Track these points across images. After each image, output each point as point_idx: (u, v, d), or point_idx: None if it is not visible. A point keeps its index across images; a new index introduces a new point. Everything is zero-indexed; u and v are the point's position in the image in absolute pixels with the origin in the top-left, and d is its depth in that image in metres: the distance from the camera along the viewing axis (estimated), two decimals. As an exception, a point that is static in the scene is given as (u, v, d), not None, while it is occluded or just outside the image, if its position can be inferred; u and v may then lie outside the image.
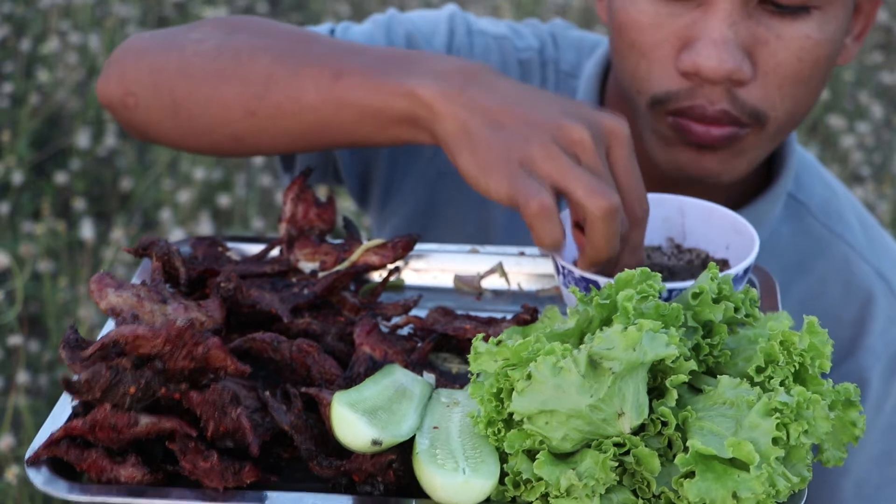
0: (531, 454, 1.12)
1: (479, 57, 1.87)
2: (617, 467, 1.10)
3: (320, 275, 1.51)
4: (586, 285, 1.37)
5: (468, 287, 1.59)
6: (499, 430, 1.14)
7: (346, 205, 3.75)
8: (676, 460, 1.07)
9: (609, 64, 1.83)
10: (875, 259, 1.86)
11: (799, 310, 1.53)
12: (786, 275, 1.77)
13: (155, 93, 1.63)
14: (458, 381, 1.36)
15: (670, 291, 1.33)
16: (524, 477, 1.11)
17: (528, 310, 1.43)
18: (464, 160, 1.41)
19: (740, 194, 1.78)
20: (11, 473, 2.86)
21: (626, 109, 1.67)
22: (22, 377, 3.25)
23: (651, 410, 1.12)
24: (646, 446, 1.10)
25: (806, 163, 1.91)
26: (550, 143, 1.38)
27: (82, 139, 4.28)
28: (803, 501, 1.13)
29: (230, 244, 1.59)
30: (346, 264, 1.51)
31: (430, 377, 1.34)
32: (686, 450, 1.08)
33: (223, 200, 4.15)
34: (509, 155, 1.39)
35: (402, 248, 1.53)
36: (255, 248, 1.59)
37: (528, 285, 1.59)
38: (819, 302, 1.81)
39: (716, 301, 1.23)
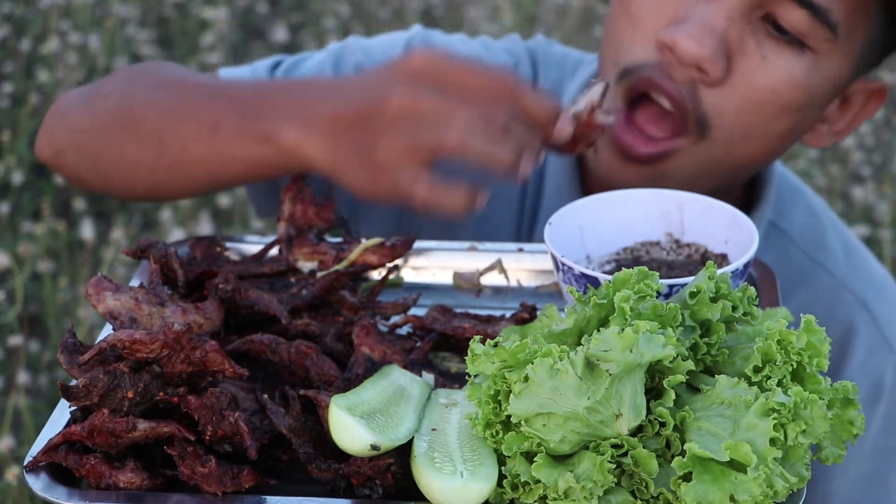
0: (529, 456, 1.12)
1: None
2: (615, 469, 1.10)
3: (319, 274, 1.50)
4: (585, 283, 1.37)
5: (467, 284, 1.59)
6: (497, 433, 1.14)
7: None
8: (674, 463, 1.06)
9: None
10: (858, 287, 1.85)
11: None
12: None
13: (76, 151, 1.68)
14: (457, 380, 1.36)
15: (670, 287, 1.33)
16: (522, 479, 1.11)
17: (526, 308, 1.43)
18: (353, 188, 1.45)
19: None
20: (11, 474, 2.86)
21: None
22: (22, 377, 3.25)
23: (649, 411, 1.12)
24: (644, 447, 1.10)
25: (790, 188, 1.89)
26: (393, 133, 1.39)
27: (82, 139, 4.26)
28: (802, 501, 1.12)
29: (229, 244, 1.59)
30: (344, 263, 1.51)
31: (428, 377, 1.33)
32: (684, 452, 1.07)
33: (223, 200, 4.14)
34: (371, 163, 1.41)
35: (401, 247, 1.53)
36: (253, 248, 1.59)
37: (528, 282, 1.59)
38: None
39: (713, 300, 1.22)
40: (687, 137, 1.58)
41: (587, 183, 1.77)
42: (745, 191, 1.80)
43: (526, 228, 1.84)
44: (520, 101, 1.41)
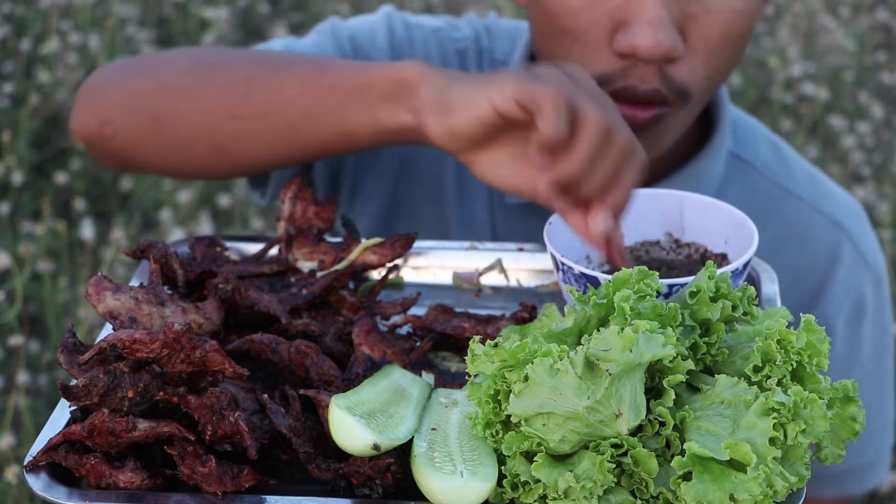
0: (529, 456, 1.12)
1: (419, 48, 1.90)
2: (615, 468, 1.10)
3: (319, 274, 1.50)
4: (584, 282, 1.37)
5: (467, 284, 1.59)
6: (497, 432, 1.14)
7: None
8: (674, 462, 1.06)
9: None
10: (828, 208, 1.88)
11: None
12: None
13: (133, 116, 1.66)
14: (457, 379, 1.36)
15: (670, 287, 1.33)
16: (522, 479, 1.11)
17: (526, 308, 1.43)
18: (458, 89, 1.42)
19: (679, 155, 1.80)
20: (11, 473, 2.86)
21: None
22: (22, 377, 3.25)
23: (649, 411, 1.12)
24: (644, 447, 1.10)
25: (748, 124, 1.93)
26: (557, 72, 1.40)
27: (82, 139, 4.27)
28: (801, 500, 1.12)
29: (229, 244, 1.59)
30: (344, 263, 1.51)
31: (428, 377, 1.34)
32: (684, 451, 1.07)
33: (223, 200, 4.14)
34: (511, 74, 1.40)
35: (401, 247, 1.53)
36: (253, 248, 1.59)
37: (528, 281, 1.59)
38: (777, 258, 1.82)
39: (713, 300, 1.23)
40: (672, 106, 1.61)
41: None
42: (698, 116, 1.83)
43: (478, 224, 1.87)
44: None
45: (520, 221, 1.82)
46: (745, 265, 1.39)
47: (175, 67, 1.66)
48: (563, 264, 1.40)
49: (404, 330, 1.45)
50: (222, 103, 1.59)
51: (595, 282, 1.36)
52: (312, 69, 1.55)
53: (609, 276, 1.32)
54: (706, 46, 1.58)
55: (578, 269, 1.37)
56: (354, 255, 1.52)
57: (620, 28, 1.56)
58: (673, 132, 1.66)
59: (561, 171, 1.39)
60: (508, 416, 1.14)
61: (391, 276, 1.57)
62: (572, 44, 1.60)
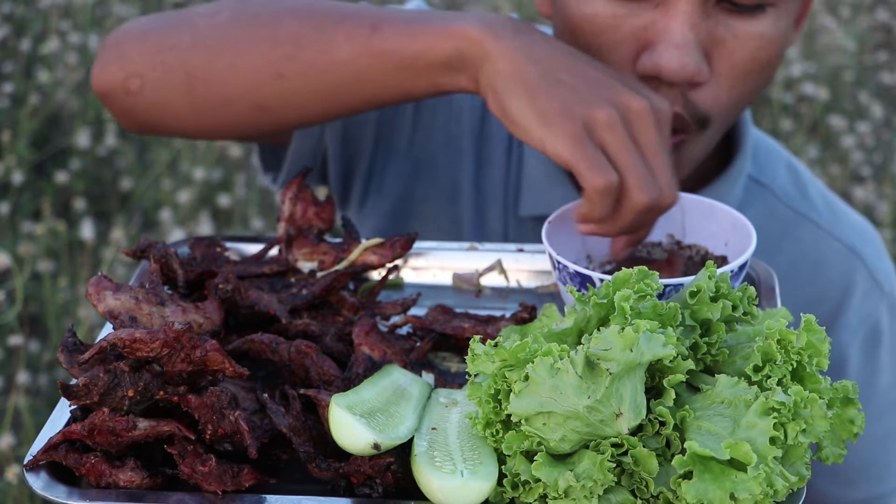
0: (529, 455, 1.12)
1: None
2: (615, 468, 1.10)
3: (319, 274, 1.50)
4: (581, 280, 1.37)
5: (467, 285, 1.59)
6: (497, 432, 1.14)
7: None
8: (674, 462, 1.06)
9: None
10: (844, 235, 1.86)
11: None
12: (754, 254, 1.79)
13: (165, 71, 1.57)
14: (457, 380, 1.36)
15: (665, 287, 1.33)
16: (522, 478, 1.11)
17: (526, 308, 1.43)
18: (519, 105, 1.40)
19: (699, 179, 1.79)
20: (12, 473, 2.86)
21: None
22: (22, 377, 3.25)
23: (649, 410, 1.12)
24: (644, 446, 1.10)
25: (767, 147, 1.92)
26: (613, 111, 1.38)
27: (82, 139, 4.28)
28: (801, 500, 1.12)
29: (229, 244, 1.59)
30: (344, 264, 1.51)
31: (428, 377, 1.34)
32: (684, 451, 1.08)
33: (223, 200, 4.14)
34: (572, 111, 1.38)
35: (401, 247, 1.53)
36: (253, 248, 1.59)
37: (527, 282, 1.59)
38: (791, 283, 1.82)
39: (713, 299, 1.23)
40: (692, 134, 1.60)
41: None
42: (720, 139, 1.82)
43: (493, 227, 1.85)
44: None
45: (535, 231, 1.81)
46: (742, 267, 1.40)
47: (212, 22, 1.57)
48: (559, 263, 1.40)
49: (404, 330, 1.45)
50: (267, 61, 1.52)
51: (590, 280, 1.36)
52: (363, 29, 1.49)
53: (603, 276, 1.32)
54: (732, 72, 1.56)
55: (574, 267, 1.38)
56: (354, 255, 1.52)
57: (646, 49, 1.54)
58: (692, 160, 1.64)
59: (597, 231, 1.42)
60: (509, 416, 1.14)
61: (391, 277, 1.57)
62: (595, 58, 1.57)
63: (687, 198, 1.54)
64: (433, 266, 1.60)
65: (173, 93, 1.57)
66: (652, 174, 1.39)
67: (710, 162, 1.78)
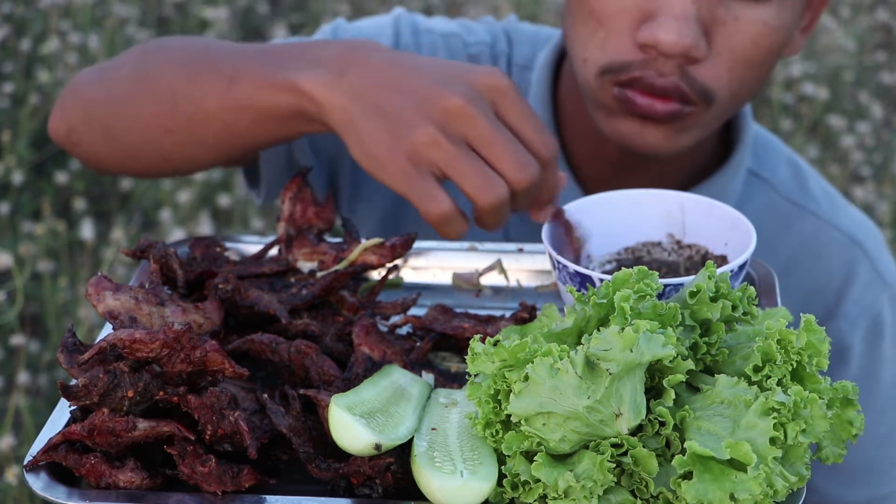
0: (529, 456, 1.12)
1: (426, 54, 1.88)
2: (615, 468, 1.10)
3: (318, 274, 1.50)
4: (581, 280, 1.37)
5: (467, 284, 1.59)
6: (497, 432, 1.14)
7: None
8: (674, 462, 1.06)
9: (562, 53, 1.84)
10: (844, 224, 1.87)
11: None
12: (755, 253, 1.79)
13: (89, 124, 1.67)
14: (457, 380, 1.36)
15: (665, 287, 1.33)
16: (522, 479, 1.11)
17: (526, 308, 1.43)
18: (357, 154, 1.45)
19: (698, 170, 1.79)
20: (12, 473, 2.86)
21: (580, 95, 1.68)
22: (22, 377, 3.25)
23: (649, 410, 1.12)
24: (644, 447, 1.10)
25: (768, 141, 1.93)
26: (430, 128, 1.41)
27: (82, 139, 4.26)
28: (801, 500, 1.12)
29: (229, 244, 1.59)
30: (344, 264, 1.51)
31: (428, 377, 1.34)
32: (684, 451, 1.07)
33: (223, 200, 4.14)
34: (396, 147, 1.42)
35: (401, 247, 1.53)
36: (253, 248, 1.59)
37: (527, 282, 1.59)
38: (792, 276, 1.81)
39: (713, 299, 1.22)
40: (695, 106, 1.61)
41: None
42: (720, 132, 1.83)
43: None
44: (547, 169, 1.48)
45: (534, 229, 1.82)
46: (741, 267, 1.39)
47: (118, 75, 1.66)
48: (559, 263, 1.40)
49: (404, 330, 1.45)
50: (155, 116, 1.60)
51: (590, 280, 1.36)
52: (223, 81, 1.54)
53: (603, 276, 1.32)
54: (731, 54, 1.58)
55: (573, 267, 1.38)
56: (354, 255, 1.52)
57: (646, 19, 1.57)
58: (694, 133, 1.65)
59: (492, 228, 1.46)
60: (508, 416, 1.14)
61: (391, 277, 1.57)
62: (597, 27, 1.60)
63: (687, 197, 1.54)
64: (433, 266, 1.60)
65: (97, 143, 1.69)
66: (499, 160, 1.42)
67: (709, 155, 1.79)
